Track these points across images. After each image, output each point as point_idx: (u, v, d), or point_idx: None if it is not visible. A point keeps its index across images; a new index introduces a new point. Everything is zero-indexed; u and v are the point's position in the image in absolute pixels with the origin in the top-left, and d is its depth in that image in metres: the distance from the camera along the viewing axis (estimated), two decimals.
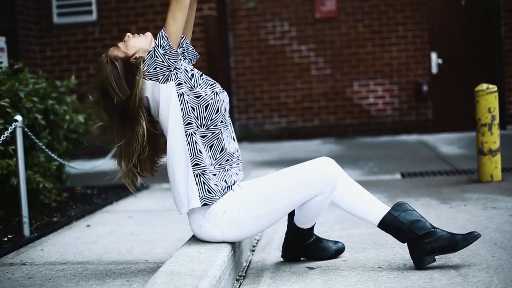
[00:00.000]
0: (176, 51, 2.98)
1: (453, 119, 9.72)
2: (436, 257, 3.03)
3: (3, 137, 3.88)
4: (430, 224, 3.01)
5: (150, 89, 3.01)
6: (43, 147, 4.41)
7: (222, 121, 3.08)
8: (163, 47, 2.95)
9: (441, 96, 9.79)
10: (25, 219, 4.03)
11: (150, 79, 3.00)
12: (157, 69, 2.97)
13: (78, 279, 3.17)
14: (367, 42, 9.83)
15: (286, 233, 3.32)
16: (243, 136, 9.80)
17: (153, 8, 8.98)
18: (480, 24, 9.71)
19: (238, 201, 3.02)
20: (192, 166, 3.00)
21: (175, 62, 2.99)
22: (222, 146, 3.06)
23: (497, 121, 5.27)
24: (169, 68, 2.97)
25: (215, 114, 3.04)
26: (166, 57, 2.96)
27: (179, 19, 2.97)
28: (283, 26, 9.87)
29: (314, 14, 9.82)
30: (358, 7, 9.78)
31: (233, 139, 3.18)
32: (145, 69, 2.99)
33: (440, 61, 9.76)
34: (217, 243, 3.06)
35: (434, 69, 9.78)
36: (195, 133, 3.01)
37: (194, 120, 3.00)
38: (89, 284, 3.08)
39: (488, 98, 5.23)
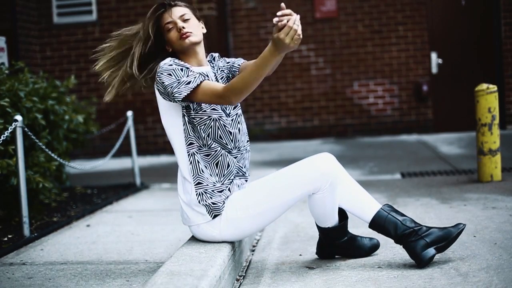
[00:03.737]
0: (181, 102, 2.94)
1: (453, 119, 9.72)
2: (436, 256, 3.04)
3: (3, 137, 3.87)
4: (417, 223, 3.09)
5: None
6: (43, 147, 4.41)
7: (216, 144, 3.02)
8: (172, 89, 2.90)
9: (441, 96, 9.79)
10: (25, 219, 4.03)
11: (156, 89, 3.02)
12: (161, 93, 2.98)
13: (78, 279, 3.17)
14: (367, 42, 9.83)
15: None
16: None
17: None
18: (480, 24, 9.71)
19: (235, 200, 3.02)
20: (195, 185, 3.01)
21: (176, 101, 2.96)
22: (228, 162, 3.04)
23: (497, 121, 5.27)
24: (169, 99, 2.96)
25: (209, 139, 3.00)
26: (169, 97, 2.93)
27: (209, 101, 2.90)
28: None
29: (314, 14, 9.81)
30: (358, 7, 9.78)
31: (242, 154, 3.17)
32: (157, 78, 2.97)
33: (440, 61, 9.75)
34: (217, 243, 3.07)
35: (434, 69, 9.77)
36: (197, 152, 3.01)
37: (195, 140, 3.00)
38: (89, 284, 3.08)
39: (488, 98, 5.23)
